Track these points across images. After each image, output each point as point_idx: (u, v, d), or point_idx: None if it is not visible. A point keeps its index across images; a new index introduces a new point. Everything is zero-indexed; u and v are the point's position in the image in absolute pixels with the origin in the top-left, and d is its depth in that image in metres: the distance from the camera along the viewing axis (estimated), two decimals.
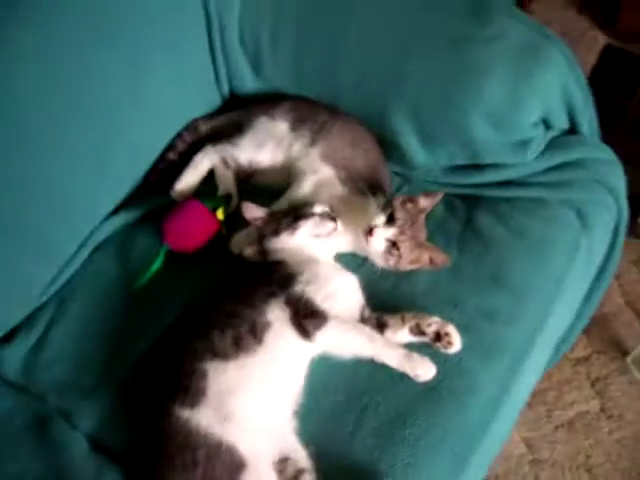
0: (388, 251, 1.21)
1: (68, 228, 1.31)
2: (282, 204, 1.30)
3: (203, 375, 1.08)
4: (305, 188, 1.31)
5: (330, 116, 1.40)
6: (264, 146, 1.38)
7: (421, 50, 1.38)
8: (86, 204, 1.33)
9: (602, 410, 1.88)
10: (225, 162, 1.39)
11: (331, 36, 1.44)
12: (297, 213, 1.24)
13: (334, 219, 1.22)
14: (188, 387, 1.07)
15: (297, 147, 1.37)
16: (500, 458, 1.79)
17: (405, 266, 1.24)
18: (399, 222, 1.20)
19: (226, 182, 1.39)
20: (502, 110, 1.34)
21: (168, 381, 1.10)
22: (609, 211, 1.42)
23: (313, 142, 1.36)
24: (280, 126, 1.40)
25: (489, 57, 1.34)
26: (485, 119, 1.34)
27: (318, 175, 1.33)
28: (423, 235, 1.25)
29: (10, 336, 1.26)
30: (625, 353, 1.96)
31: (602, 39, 2.71)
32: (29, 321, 1.28)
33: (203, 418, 1.05)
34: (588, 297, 1.56)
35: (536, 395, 1.89)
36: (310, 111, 1.41)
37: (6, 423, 1.15)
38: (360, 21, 1.42)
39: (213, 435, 1.03)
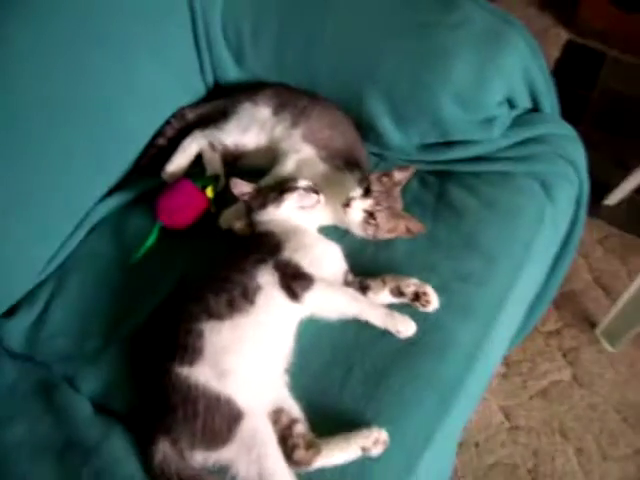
0: (366, 221, 1.30)
1: (65, 210, 1.38)
2: (268, 181, 1.39)
3: (200, 335, 1.15)
4: (288, 166, 1.40)
5: (310, 101, 1.49)
6: (249, 130, 1.47)
7: (392, 38, 1.48)
8: (82, 188, 1.40)
9: (574, 379, 1.99)
10: (212, 146, 1.47)
11: (309, 28, 1.53)
12: (283, 187, 1.32)
13: (317, 192, 1.31)
14: (186, 347, 1.14)
15: (279, 129, 1.46)
16: (480, 426, 1.89)
17: (383, 235, 1.33)
18: (375, 194, 1.29)
19: (213, 164, 1.47)
20: (469, 90, 1.44)
21: (167, 342, 1.17)
22: (571, 183, 1.53)
23: (294, 125, 1.45)
24: (263, 111, 1.48)
25: (455, 41, 1.44)
26: (453, 99, 1.44)
27: (300, 154, 1.42)
28: (399, 206, 1.34)
29: (12, 312, 1.33)
30: (594, 325, 2.07)
31: (564, 35, 2.85)
32: (29, 297, 1.34)
33: (201, 375, 1.12)
34: (555, 267, 1.66)
35: (511, 366, 1.99)
36: (291, 97, 1.50)
37: (13, 389, 1.21)
38: (336, 14, 1.52)
39: (211, 389, 1.10)
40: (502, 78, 1.44)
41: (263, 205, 1.32)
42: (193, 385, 1.11)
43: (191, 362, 1.13)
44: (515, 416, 1.92)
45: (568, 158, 1.51)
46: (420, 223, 1.32)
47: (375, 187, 1.30)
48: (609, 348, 2.03)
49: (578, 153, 1.53)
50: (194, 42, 1.56)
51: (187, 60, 1.57)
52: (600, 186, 2.35)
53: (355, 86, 1.51)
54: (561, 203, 1.50)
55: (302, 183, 1.32)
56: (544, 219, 1.46)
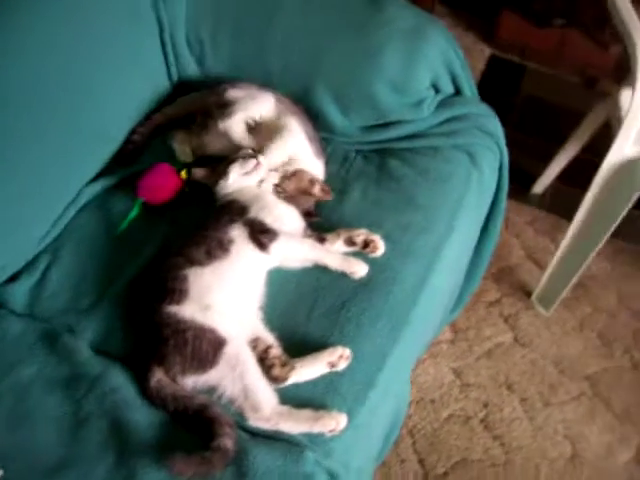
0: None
1: (58, 193, 1.57)
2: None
3: (185, 279, 1.34)
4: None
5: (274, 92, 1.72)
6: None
7: (331, 37, 1.73)
8: (71, 175, 1.59)
9: (515, 340, 2.22)
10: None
11: (261, 33, 1.76)
12: (227, 161, 1.51)
13: (255, 156, 1.49)
14: (174, 290, 1.33)
15: None
16: (434, 386, 2.10)
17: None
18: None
19: (185, 155, 1.68)
20: (400, 77, 1.70)
21: (157, 289, 1.35)
22: (492, 151, 1.79)
23: None
24: None
25: (385, 37, 1.71)
26: (387, 86, 1.70)
27: None
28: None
29: (13, 279, 1.49)
30: (529, 294, 2.32)
31: (487, 50, 3.20)
32: (29, 267, 1.50)
33: (187, 310, 1.31)
34: (486, 230, 1.92)
35: (458, 333, 2.22)
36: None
37: (20, 340, 1.37)
38: (284, 19, 1.76)
39: (197, 321, 1.29)
40: (427, 66, 1.71)
41: (216, 182, 1.51)
42: (181, 319, 1.30)
43: (179, 301, 1.32)
44: (465, 375, 2.13)
45: (487, 131, 1.78)
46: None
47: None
48: (543, 312, 2.28)
49: (495, 127, 1.81)
50: (161, 48, 1.79)
51: (156, 63, 1.79)
52: (526, 177, 2.65)
53: (304, 80, 1.74)
54: (485, 168, 1.76)
55: (241, 152, 1.51)
56: (471, 181, 1.71)
